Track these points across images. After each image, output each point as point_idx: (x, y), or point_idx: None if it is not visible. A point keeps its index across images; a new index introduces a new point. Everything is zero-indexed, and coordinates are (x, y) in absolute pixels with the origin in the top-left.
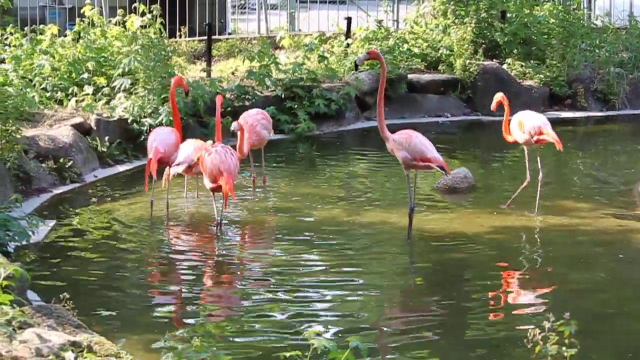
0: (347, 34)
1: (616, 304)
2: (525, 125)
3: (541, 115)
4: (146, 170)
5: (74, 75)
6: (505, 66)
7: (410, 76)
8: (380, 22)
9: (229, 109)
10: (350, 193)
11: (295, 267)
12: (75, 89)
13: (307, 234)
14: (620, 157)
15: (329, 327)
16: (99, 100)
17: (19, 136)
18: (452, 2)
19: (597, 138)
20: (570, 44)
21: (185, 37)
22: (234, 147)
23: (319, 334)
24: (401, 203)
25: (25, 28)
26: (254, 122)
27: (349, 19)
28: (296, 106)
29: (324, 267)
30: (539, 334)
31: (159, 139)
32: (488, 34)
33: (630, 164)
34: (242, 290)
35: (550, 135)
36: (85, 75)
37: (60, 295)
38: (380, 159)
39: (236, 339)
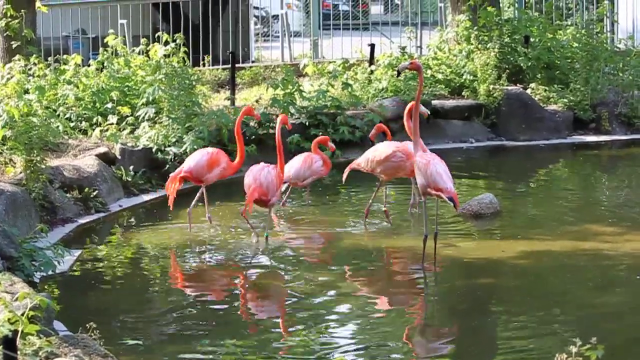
0: (371, 61)
1: None
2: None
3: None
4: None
5: (98, 105)
6: (529, 91)
7: (434, 102)
8: (403, 48)
9: (253, 137)
10: (375, 220)
11: (317, 294)
12: (100, 118)
13: (330, 260)
14: None
15: (355, 353)
16: (123, 129)
17: (43, 166)
18: (475, 28)
19: (622, 161)
20: (593, 67)
21: (209, 65)
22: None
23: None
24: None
25: (49, 58)
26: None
27: (372, 46)
28: (320, 133)
29: (346, 294)
30: (566, 358)
31: (192, 157)
32: (511, 58)
33: None
34: (268, 318)
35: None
36: (109, 105)
37: (87, 325)
38: (405, 185)
39: None
